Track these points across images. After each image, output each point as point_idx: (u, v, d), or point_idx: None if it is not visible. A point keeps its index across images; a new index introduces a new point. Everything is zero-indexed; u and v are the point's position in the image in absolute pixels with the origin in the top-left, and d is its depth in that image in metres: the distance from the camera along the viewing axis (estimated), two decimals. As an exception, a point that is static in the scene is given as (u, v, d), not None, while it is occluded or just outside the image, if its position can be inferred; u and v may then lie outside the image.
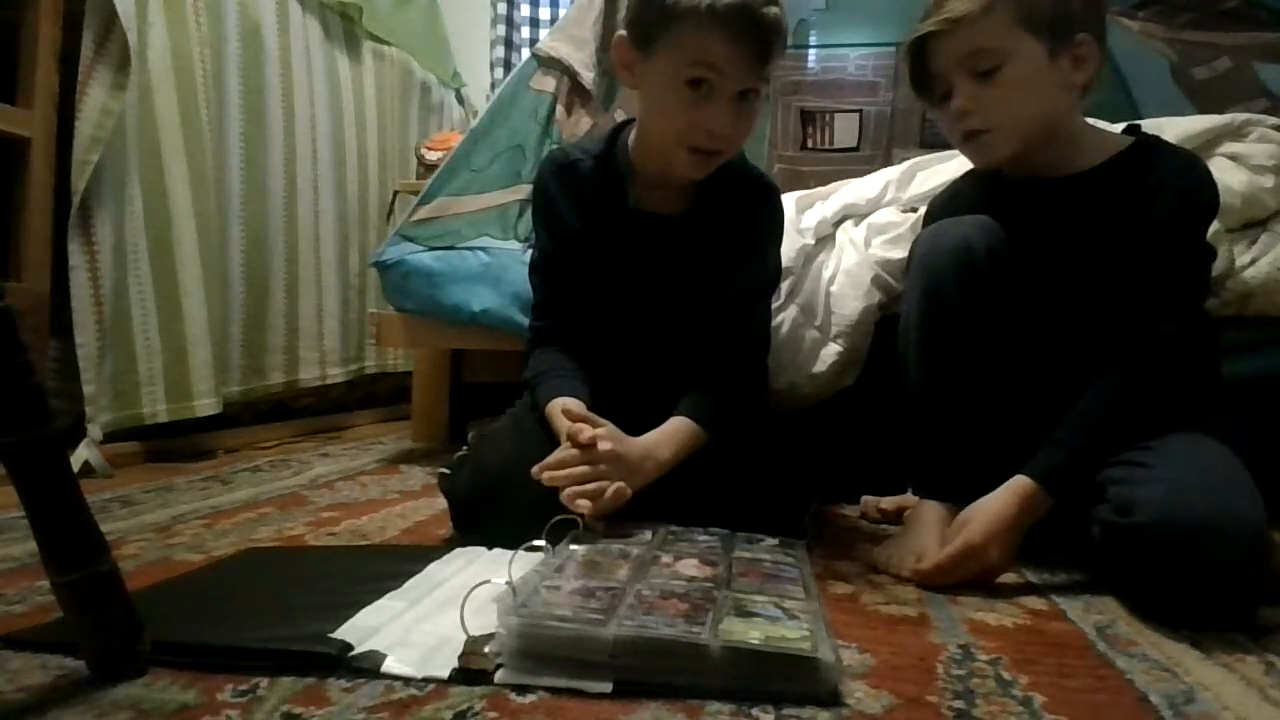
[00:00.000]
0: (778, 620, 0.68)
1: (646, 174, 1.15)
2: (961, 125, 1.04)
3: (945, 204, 1.19)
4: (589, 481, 0.96)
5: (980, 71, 1.00)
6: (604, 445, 0.98)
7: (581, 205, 1.18)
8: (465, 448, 1.12)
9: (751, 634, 0.64)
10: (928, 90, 1.07)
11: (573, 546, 0.86)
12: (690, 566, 0.82)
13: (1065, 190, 1.04)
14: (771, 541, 0.95)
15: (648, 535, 0.94)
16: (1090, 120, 1.09)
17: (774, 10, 1.01)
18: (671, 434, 1.06)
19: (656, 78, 1.06)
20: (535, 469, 0.97)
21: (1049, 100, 1.01)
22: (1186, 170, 0.99)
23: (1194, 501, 0.80)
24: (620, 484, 0.96)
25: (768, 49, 1.02)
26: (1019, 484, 0.92)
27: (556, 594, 0.71)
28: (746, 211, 1.17)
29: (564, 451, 0.99)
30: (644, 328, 1.20)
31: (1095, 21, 1.01)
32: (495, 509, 1.02)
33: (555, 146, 1.72)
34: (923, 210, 1.34)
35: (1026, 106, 1.01)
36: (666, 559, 0.84)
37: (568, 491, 0.94)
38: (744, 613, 0.69)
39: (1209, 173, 1.00)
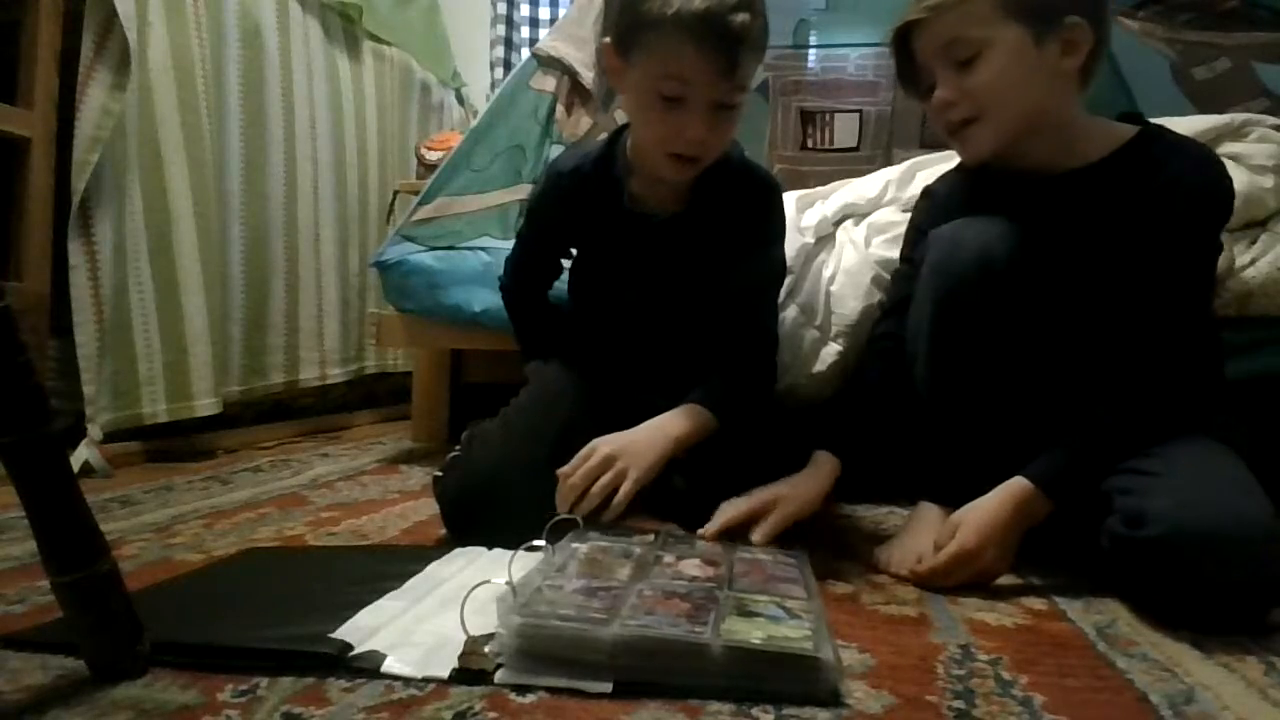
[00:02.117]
0: (780, 620, 0.68)
1: (644, 175, 1.15)
2: (946, 116, 1.01)
3: (943, 191, 1.16)
4: (601, 475, 0.97)
5: (960, 61, 0.98)
6: (603, 449, 0.99)
7: (579, 210, 1.19)
8: (457, 448, 1.12)
9: (754, 633, 0.64)
10: (914, 83, 1.05)
11: (574, 545, 0.86)
12: (692, 566, 0.82)
13: (1068, 185, 1.00)
14: (774, 551, 0.95)
15: (650, 537, 0.94)
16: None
17: (743, 18, 0.98)
18: (680, 413, 1.07)
19: (634, 85, 1.06)
20: (559, 499, 0.98)
21: (1037, 88, 0.97)
22: (1202, 167, 0.96)
23: (1207, 512, 0.79)
24: (627, 481, 0.98)
25: (735, 59, 0.99)
26: (1015, 485, 0.91)
27: (559, 593, 0.71)
28: (746, 210, 1.17)
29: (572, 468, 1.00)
30: (646, 327, 1.21)
31: (1089, 4, 0.97)
32: (485, 510, 1.02)
33: (556, 151, 1.73)
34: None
35: (1011, 93, 0.97)
36: (669, 559, 0.84)
37: (579, 502, 0.97)
38: (746, 612, 0.69)
39: (1223, 166, 0.97)
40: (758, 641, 0.63)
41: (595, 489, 0.97)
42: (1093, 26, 0.97)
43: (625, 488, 0.97)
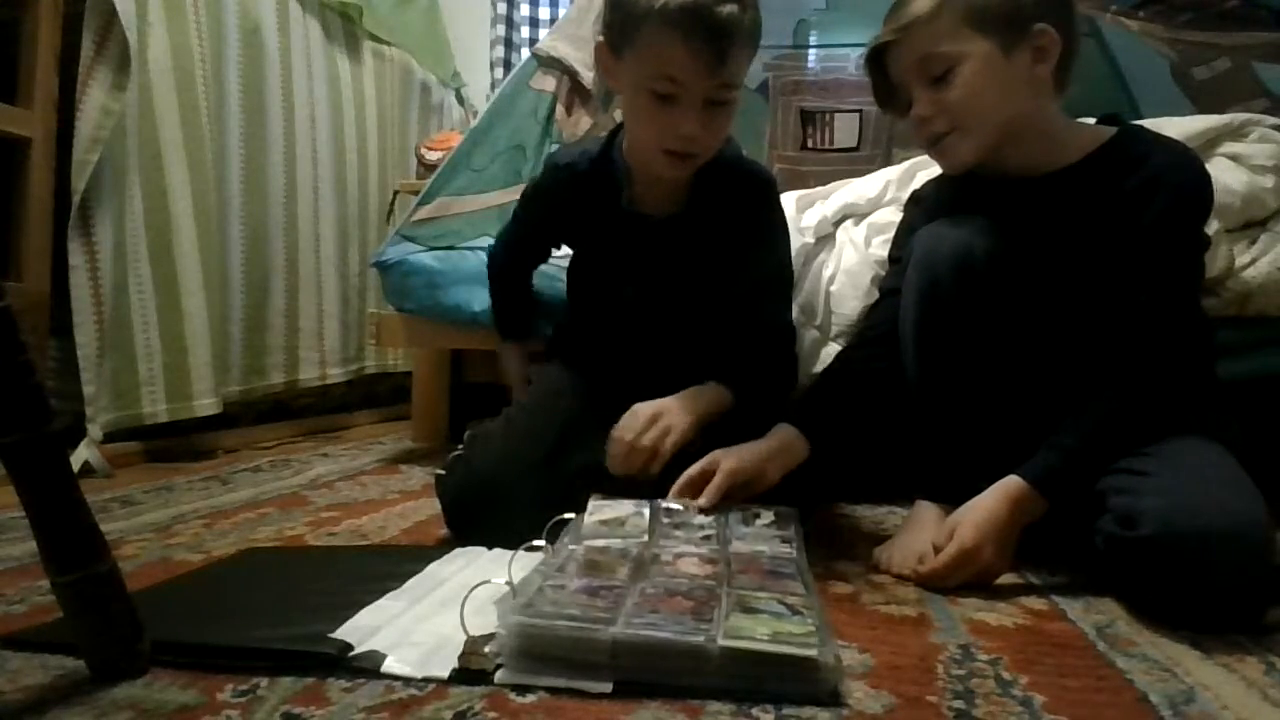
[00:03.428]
0: (782, 616, 0.68)
1: (641, 174, 1.15)
2: (925, 131, 1.03)
3: (932, 195, 1.17)
4: (649, 431, 1.03)
5: (934, 77, 0.99)
6: (646, 410, 1.05)
7: (577, 208, 1.19)
8: (460, 447, 1.12)
9: (759, 630, 0.64)
10: (892, 101, 1.07)
11: (571, 546, 0.86)
12: (691, 565, 0.82)
13: (1047, 188, 1.01)
14: (768, 516, 0.95)
15: (644, 522, 0.93)
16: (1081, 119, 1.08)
17: (730, 10, 0.97)
18: (696, 390, 1.10)
19: (627, 83, 1.06)
20: (611, 459, 1.04)
21: (1011, 97, 0.99)
22: (1180, 167, 0.97)
23: (1199, 511, 0.79)
24: (672, 434, 1.03)
25: (724, 53, 0.98)
26: (1010, 484, 0.91)
27: (561, 593, 0.71)
28: (743, 207, 1.17)
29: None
30: (646, 327, 1.21)
31: (1054, 9, 0.99)
32: (486, 509, 1.02)
33: (556, 148, 1.73)
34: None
35: (986, 105, 0.99)
36: (667, 557, 0.84)
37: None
38: (749, 609, 0.69)
39: (1202, 165, 0.98)
40: (764, 637, 0.63)
41: (645, 441, 1.01)
42: (1061, 31, 0.98)
43: (671, 439, 1.02)
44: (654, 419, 1.04)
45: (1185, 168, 0.97)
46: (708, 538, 0.90)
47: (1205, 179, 0.97)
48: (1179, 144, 1.03)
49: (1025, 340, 1.02)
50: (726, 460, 1.00)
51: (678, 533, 0.91)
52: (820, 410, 1.08)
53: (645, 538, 0.91)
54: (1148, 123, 1.19)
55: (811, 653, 0.62)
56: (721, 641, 0.62)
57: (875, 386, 1.09)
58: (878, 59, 1.05)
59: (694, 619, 0.65)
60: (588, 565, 0.80)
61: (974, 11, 0.97)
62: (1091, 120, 1.08)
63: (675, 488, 1.00)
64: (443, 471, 1.10)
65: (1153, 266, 0.95)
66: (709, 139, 1.06)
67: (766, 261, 1.20)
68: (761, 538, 0.92)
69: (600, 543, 0.88)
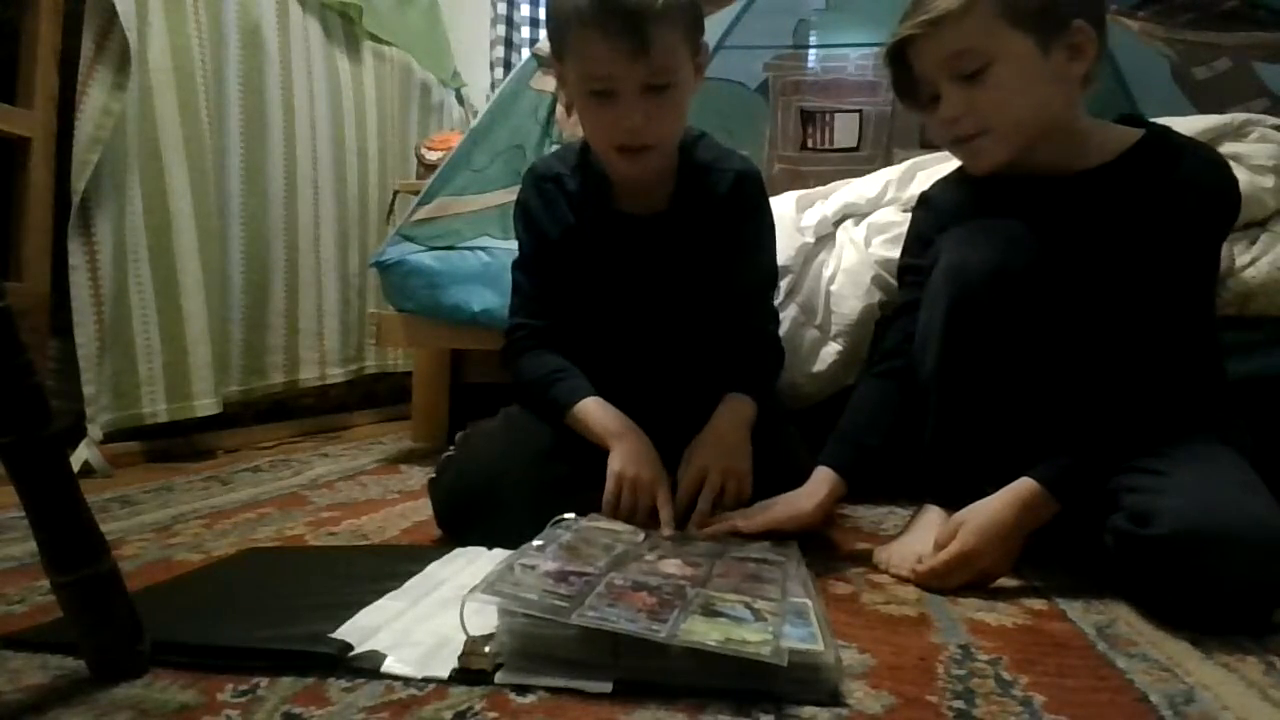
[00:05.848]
0: (743, 622, 0.66)
1: (615, 176, 1.15)
2: (952, 130, 0.99)
3: (942, 196, 1.13)
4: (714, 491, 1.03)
5: (965, 74, 0.95)
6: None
7: (566, 215, 1.18)
8: (451, 448, 1.12)
9: (712, 634, 0.63)
10: (913, 95, 1.03)
11: (558, 530, 0.86)
12: (671, 565, 0.81)
13: (1078, 187, 0.99)
14: (763, 544, 0.95)
15: (640, 537, 0.94)
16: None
17: None
18: (725, 412, 1.09)
19: (573, 89, 1.06)
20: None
21: (1045, 96, 0.96)
22: (1213, 167, 0.95)
23: (1217, 511, 0.78)
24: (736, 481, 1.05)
25: (644, 37, 0.96)
26: (1021, 487, 0.90)
27: (530, 574, 0.70)
28: (727, 201, 1.16)
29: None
30: (644, 328, 1.20)
31: (1090, 5, 0.95)
32: (482, 508, 1.02)
33: (539, 158, 1.73)
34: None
35: (1021, 106, 0.96)
36: (650, 556, 0.84)
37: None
38: (711, 612, 0.68)
39: (1229, 167, 0.96)
40: (713, 644, 0.61)
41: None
42: (1096, 30, 0.96)
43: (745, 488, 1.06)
44: (717, 483, 1.04)
45: (1218, 172, 0.95)
46: (703, 554, 0.90)
47: (1235, 181, 0.96)
48: (1208, 146, 1.01)
49: (1050, 346, 0.99)
50: (778, 510, 1.01)
51: (669, 545, 0.91)
52: (857, 451, 1.06)
53: (640, 539, 0.91)
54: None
55: (767, 655, 0.60)
56: (670, 640, 0.61)
57: (905, 426, 1.06)
58: (899, 52, 1.01)
59: (649, 618, 0.64)
60: (568, 550, 0.80)
61: (1011, 7, 0.93)
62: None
63: (718, 528, 1.00)
64: (435, 474, 1.10)
65: (1178, 268, 0.94)
66: (657, 129, 1.04)
67: (757, 258, 1.20)
68: (757, 550, 0.92)
69: (591, 532, 0.88)
